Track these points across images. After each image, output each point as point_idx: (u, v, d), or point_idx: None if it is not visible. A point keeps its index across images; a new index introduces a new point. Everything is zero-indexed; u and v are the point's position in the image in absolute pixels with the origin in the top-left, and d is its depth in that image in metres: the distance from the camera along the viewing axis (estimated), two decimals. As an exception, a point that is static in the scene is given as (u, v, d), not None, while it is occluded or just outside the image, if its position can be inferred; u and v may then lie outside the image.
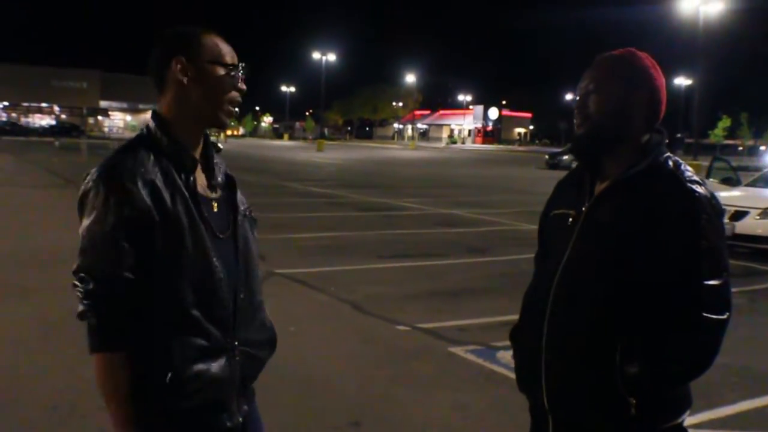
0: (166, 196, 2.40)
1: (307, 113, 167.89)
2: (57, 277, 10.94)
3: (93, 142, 60.79)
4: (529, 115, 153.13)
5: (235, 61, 2.64)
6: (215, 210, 2.57)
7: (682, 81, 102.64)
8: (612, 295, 2.53)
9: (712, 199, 2.52)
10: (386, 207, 22.46)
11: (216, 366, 2.46)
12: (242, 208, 2.72)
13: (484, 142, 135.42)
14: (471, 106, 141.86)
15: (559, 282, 2.64)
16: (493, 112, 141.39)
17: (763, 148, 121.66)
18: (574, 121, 2.72)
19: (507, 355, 7.67)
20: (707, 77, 53.87)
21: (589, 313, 2.56)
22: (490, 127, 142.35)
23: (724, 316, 2.46)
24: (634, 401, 2.48)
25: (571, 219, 2.69)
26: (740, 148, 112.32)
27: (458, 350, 7.88)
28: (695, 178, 2.55)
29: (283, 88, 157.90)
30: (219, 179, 2.67)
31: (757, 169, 20.39)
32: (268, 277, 11.22)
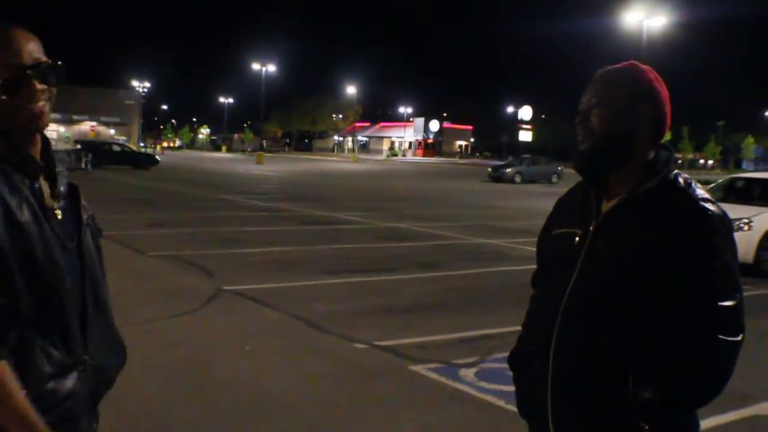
0: (13, 203, 2.26)
1: (245, 125, 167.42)
2: None
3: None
4: (470, 127, 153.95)
5: (40, 59, 2.40)
6: (59, 219, 2.44)
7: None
8: (624, 318, 2.45)
9: (725, 218, 2.47)
10: (331, 221, 22.31)
11: (68, 381, 2.35)
12: (86, 217, 2.60)
13: (425, 155, 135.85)
14: (412, 119, 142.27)
15: (567, 305, 2.55)
16: (434, 125, 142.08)
17: (701, 161, 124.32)
18: (578, 137, 2.64)
19: (469, 373, 7.63)
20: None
21: (601, 338, 2.48)
22: (431, 140, 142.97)
23: (739, 338, 2.41)
24: (647, 427, 2.42)
25: (577, 239, 2.61)
26: (680, 161, 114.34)
27: (419, 368, 7.79)
28: (707, 196, 2.50)
29: (222, 99, 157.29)
30: (62, 188, 2.52)
31: (707, 182, 20.60)
32: (218, 294, 11.06)
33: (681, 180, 2.54)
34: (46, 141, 2.50)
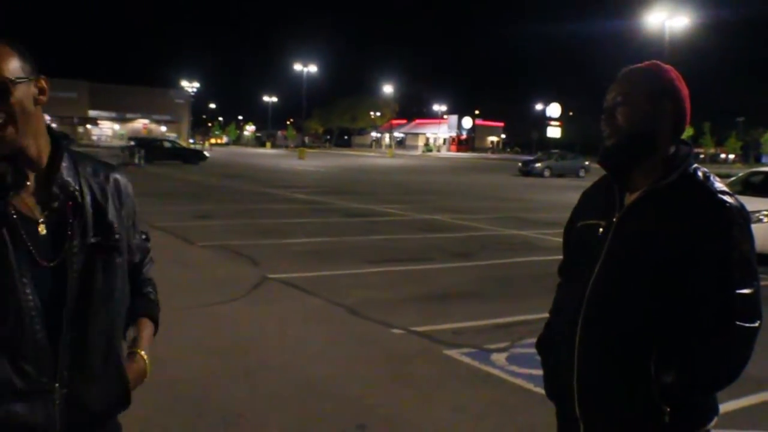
0: None
1: (288, 122, 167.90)
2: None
3: (83, 150, 60.10)
4: (501, 124, 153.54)
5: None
6: (41, 233, 2.20)
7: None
8: (646, 306, 2.47)
9: (743, 210, 2.47)
10: (370, 213, 22.35)
11: (25, 408, 2.12)
12: (91, 236, 2.28)
13: (458, 150, 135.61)
14: (446, 116, 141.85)
15: (592, 293, 2.57)
16: (467, 122, 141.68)
17: (723, 156, 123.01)
18: (603, 133, 2.64)
19: (501, 358, 7.63)
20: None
21: (624, 324, 2.50)
22: (464, 136, 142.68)
23: (756, 324, 2.42)
24: (668, 409, 2.43)
25: (601, 229, 2.61)
26: (702, 156, 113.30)
27: (454, 353, 7.81)
28: (725, 188, 2.50)
29: (266, 98, 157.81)
30: (56, 204, 2.24)
31: (728, 176, 20.40)
32: (263, 282, 11.14)
33: (700, 174, 2.55)
34: (58, 150, 2.33)
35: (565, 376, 2.63)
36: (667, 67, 2.65)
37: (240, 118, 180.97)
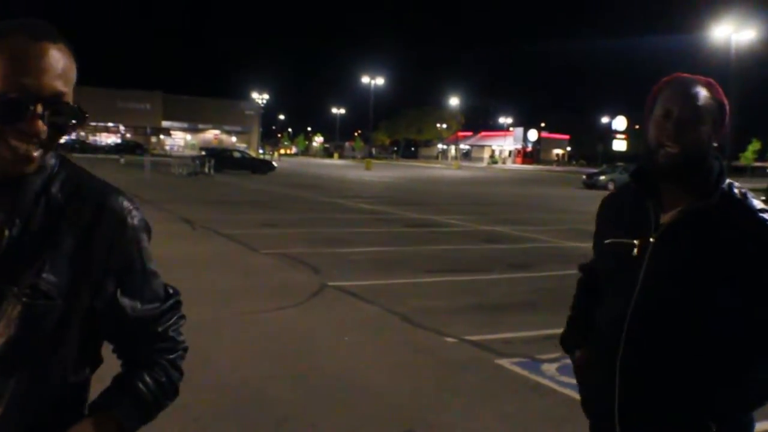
0: None
1: (355, 133, 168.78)
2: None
3: (155, 160, 61.42)
4: (566, 137, 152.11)
5: (61, 92, 1.72)
6: None
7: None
8: (691, 327, 2.42)
9: None
10: (432, 224, 22.36)
11: None
12: (15, 288, 1.71)
13: (523, 163, 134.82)
14: (511, 128, 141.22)
15: (633, 319, 2.49)
16: (533, 134, 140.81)
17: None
18: (664, 141, 2.46)
19: (551, 368, 7.60)
20: (738, 102, 53.24)
21: (670, 347, 2.45)
22: (529, 148, 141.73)
23: None
24: (715, 427, 2.40)
25: (636, 250, 2.52)
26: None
27: (504, 362, 7.80)
28: (763, 206, 2.46)
29: (334, 110, 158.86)
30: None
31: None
32: (322, 289, 11.24)
33: (736, 191, 2.49)
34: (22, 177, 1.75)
35: (606, 396, 2.57)
36: (713, 81, 2.57)
37: (309, 129, 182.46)
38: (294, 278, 12.24)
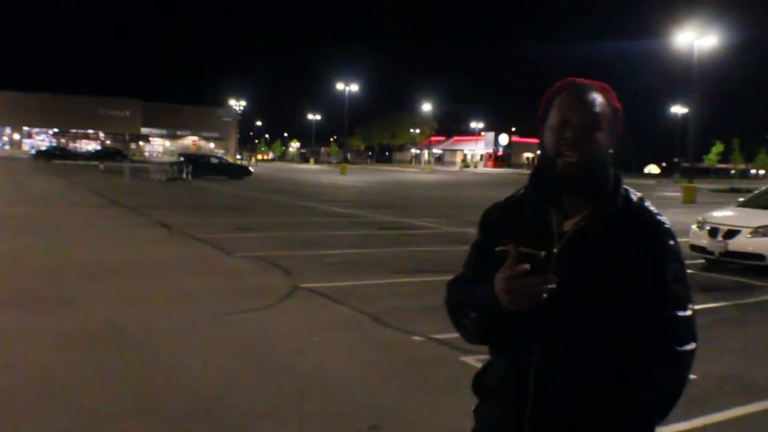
0: None
1: (331, 139, 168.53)
2: (100, 289, 10.99)
3: (135, 166, 61.25)
4: (537, 140, 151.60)
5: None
6: None
7: (678, 109, 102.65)
8: (606, 337, 2.33)
9: (673, 230, 2.43)
10: (405, 226, 22.40)
11: None
12: None
13: (495, 166, 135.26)
14: (483, 133, 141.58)
15: (547, 329, 2.35)
16: (504, 138, 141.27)
17: (753, 171, 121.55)
18: (563, 150, 2.39)
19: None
20: (702, 106, 53.80)
21: (583, 357, 2.34)
22: (500, 152, 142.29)
23: (694, 347, 2.37)
24: None
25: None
26: (732, 172, 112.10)
27: (469, 359, 7.80)
28: (657, 209, 2.45)
29: (310, 116, 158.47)
30: None
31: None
32: (294, 291, 11.23)
33: (634, 196, 2.45)
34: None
35: (515, 419, 2.39)
36: (610, 87, 2.51)
37: (285, 135, 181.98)
38: (267, 280, 12.22)
